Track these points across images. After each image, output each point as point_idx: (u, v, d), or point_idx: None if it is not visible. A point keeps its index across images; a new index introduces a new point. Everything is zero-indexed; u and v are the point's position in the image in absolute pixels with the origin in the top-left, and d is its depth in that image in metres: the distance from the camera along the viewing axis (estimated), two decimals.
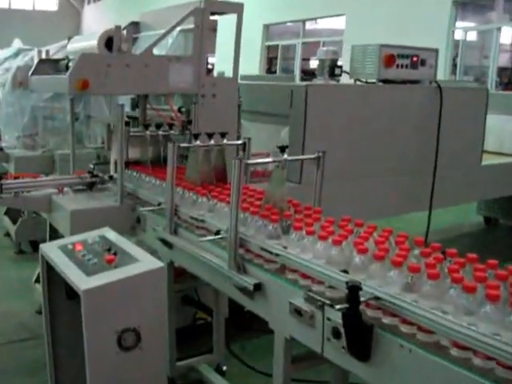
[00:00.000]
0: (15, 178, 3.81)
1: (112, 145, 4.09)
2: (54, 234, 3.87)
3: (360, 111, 4.65)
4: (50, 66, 4.15)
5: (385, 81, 4.88)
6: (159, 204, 3.31)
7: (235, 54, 4.05)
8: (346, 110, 4.58)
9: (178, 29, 3.88)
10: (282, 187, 2.84)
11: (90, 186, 3.98)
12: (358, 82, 5.02)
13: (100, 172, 4.03)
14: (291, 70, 17.72)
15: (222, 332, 3.72)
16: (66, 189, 3.90)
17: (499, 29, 12.28)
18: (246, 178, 2.67)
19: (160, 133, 3.83)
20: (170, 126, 3.88)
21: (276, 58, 18.88)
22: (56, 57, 4.71)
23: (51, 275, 2.88)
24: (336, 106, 4.51)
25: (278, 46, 18.87)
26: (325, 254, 2.27)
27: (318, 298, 2.13)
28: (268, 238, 2.58)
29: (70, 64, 3.58)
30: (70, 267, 2.60)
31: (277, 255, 2.44)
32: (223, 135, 3.30)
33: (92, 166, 4.18)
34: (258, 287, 2.53)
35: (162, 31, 3.83)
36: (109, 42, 3.71)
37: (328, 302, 2.08)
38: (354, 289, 1.93)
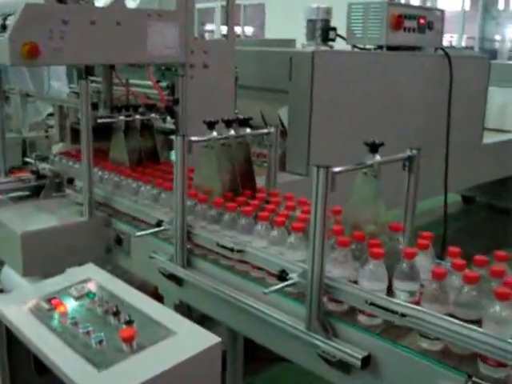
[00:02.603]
0: None
1: (66, 134, 2.98)
2: None
3: (373, 84, 3.77)
4: None
5: (390, 47, 4.01)
6: (159, 223, 2.29)
7: (228, 7, 3.04)
8: (357, 82, 3.68)
9: None
10: (374, 203, 1.90)
11: (37, 192, 2.89)
12: (356, 49, 4.13)
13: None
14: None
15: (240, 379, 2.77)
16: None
17: None
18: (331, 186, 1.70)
19: (138, 118, 2.77)
20: (150, 107, 2.82)
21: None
22: None
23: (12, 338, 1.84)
24: (347, 77, 3.60)
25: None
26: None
27: None
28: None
29: (8, 22, 2.45)
30: (61, 352, 1.56)
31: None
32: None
33: (33, 162, 3.07)
34: (367, 362, 1.62)
35: None
36: None
37: None
38: None
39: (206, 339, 1.59)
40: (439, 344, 1.56)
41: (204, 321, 2.46)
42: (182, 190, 2.11)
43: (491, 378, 1.44)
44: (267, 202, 2.23)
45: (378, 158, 1.89)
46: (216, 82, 2.96)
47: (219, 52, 2.97)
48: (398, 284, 1.67)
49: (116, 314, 1.72)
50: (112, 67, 2.92)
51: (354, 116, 3.66)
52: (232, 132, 2.29)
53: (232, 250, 2.02)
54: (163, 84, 2.99)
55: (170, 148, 3.07)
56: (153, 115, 2.80)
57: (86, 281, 1.96)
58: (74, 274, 2.05)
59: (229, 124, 2.27)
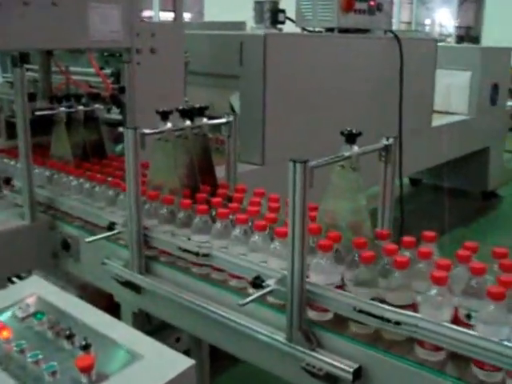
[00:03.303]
0: None
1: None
2: None
3: (327, 68, 3.61)
4: None
5: (341, 30, 3.86)
6: (111, 227, 2.05)
7: None
8: (311, 66, 3.51)
9: None
10: (353, 198, 1.73)
11: None
12: (305, 32, 3.96)
13: None
14: None
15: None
16: None
17: None
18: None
19: (81, 109, 2.51)
20: (93, 97, 2.56)
21: None
22: None
23: None
24: (301, 61, 3.42)
25: None
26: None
27: None
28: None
29: None
30: None
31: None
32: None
33: None
34: (358, 374, 1.47)
35: None
36: None
37: None
38: None
39: (179, 363, 1.38)
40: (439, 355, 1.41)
41: (164, 328, 2.27)
42: (136, 189, 1.90)
43: None
44: (230, 199, 2.04)
45: (355, 149, 1.71)
46: (165, 68, 2.73)
47: (167, 36, 2.73)
48: None
49: (69, 337, 1.48)
50: (50, 53, 2.64)
51: (309, 101, 3.50)
52: (188, 122, 2.07)
53: (197, 254, 1.82)
54: (107, 71, 2.73)
55: (116, 141, 2.82)
56: (97, 105, 2.54)
57: (31, 297, 1.71)
58: (16, 289, 1.80)
59: (184, 114, 2.06)
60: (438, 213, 5.45)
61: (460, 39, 15.11)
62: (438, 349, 1.41)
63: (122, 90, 2.60)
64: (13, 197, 2.44)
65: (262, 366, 1.72)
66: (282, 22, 3.87)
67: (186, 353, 2.28)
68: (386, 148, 1.83)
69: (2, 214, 2.42)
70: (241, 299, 1.62)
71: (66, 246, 2.33)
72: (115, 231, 2.02)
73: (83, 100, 2.52)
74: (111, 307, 2.04)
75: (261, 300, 1.67)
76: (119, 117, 2.73)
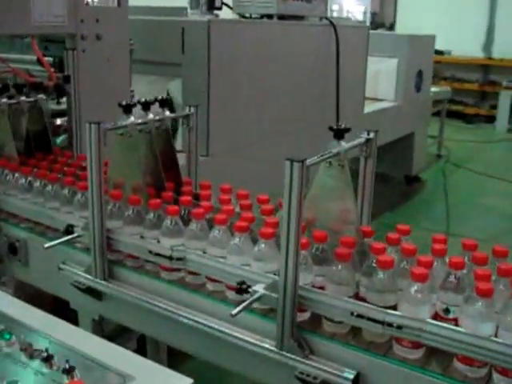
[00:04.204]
0: None
1: None
2: None
3: (271, 55, 3.54)
4: None
5: (280, 17, 3.79)
6: (69, 230, 1.90)
7: None
8: (255, 54, 3.42)
9: None
10: (341, 196, 1.68)
11: None
12: (242, 18, 3.87)
13: None
14: None
15: None
16: None
17: None
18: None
19: (23, 99, 2.31)
20: (35, 87, 2.37)
21: None
22: None
23: None
24: (245, 48, 3.33)
25: None
26: None
27: None
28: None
29: None
30: None
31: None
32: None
33: None
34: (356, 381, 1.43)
35: None
36: None
37: None
38: None
39: (175, 383, 1.28)
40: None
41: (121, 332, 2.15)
42: (99, 189, 1.76)
43: None
44: (196, 197, 1.94)
45: (344, 145, 1.66)
46: (110, 55, 2.56)
47: (112, 21, 2.56)
48: None
49: (47, 359, 1.35)
50: None
51: (251, 90, 3.42)
52: (151, 116, 1.94)
53: (170, 258, 1.71)
54: (49, 59, 2.53)
55: (56, 133, 2.64)
56: (40, 96, 2.34)
57: None
58: None
59: (147, 106, 1.92)
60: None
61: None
62: (418, 346, 1.40)
63: (66, 78, 2.42)
64: None
65: (250, 375, 1.64)
66: (219, 8, 3.77)
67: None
68: (367, 142, 1.78)
69: None
70: (219, 305, 1.60)
71: (12, 249, 2.15)
72: (75, 235, 1.87)
73: (25, 90, 2.32)
74: (55, 309, 1.89)
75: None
76: (58, 107, 2.55)
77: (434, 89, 6.60)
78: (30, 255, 2.13)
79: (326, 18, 4.16)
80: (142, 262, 1.85)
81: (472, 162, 7.38)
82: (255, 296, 1.53)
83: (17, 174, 2.19)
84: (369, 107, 5.08)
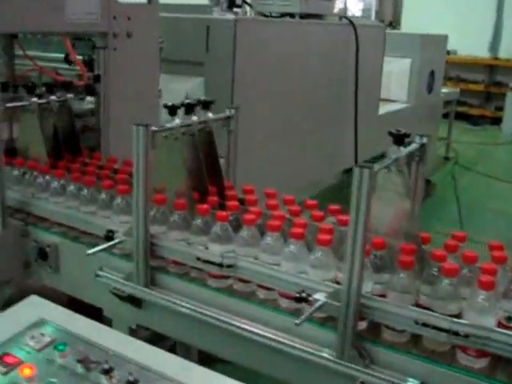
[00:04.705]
0: None
1: None
2: None
3: (294, 54, 3.48)
4: None
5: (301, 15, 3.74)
6: (109, 235, 1.83)
7: None
8: (279, 53, 3.36)
9: None
10: (400, 203, 1.62)
11: None
12: (261, 17, 3.81)
13: None
14: None
15: None
16: None
17: None
18: None
19: (53, 99, 2.23)
20: (66, 86, 2.29)
21: None
22: None
23: None
24: (270, 48, 3.27)
25: None
26: None
27: None
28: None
29: None
30: None
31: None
32: None
33: None
34: None
35: None
36: None
37: None
38: None
39: None
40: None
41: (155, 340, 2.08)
42: (145, 194, 1.69)
43: None
44: (242, 202, 1.87)
45: (402, 150, 1.60)
46: (140, 53, 2.49)
47: (143, 18, 2.49)
48: None
49: (107, 371, 1.28)
50: (14, 36, 2.32)
51: (275, 89, 3.36)
52: (195, 118, 1.87)
53: (221, 265, 1.65)
54: (78, 57, 2.46)
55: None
56: (69, 95, 2.27)
57: (40, 323, 1.48)
58: (15, 314, 1.55)
59: (190, 108, 1.85)
60: None
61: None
62: (483, 355, 1.36)
63: (96, 78, 2.34)
64: None
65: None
66: (239, 6, 3.70)
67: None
68: (421, 147, 1.72)
69: None
70: (272, 313, 1.56)
71: (42, 254, 2.07)
72: (116, 240, 1.80)
73: (55, 89, 2.24)
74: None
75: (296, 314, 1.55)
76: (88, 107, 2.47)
77: (445, 90, 6.55)
78: (62, 261, 2.06)
79: (346, 18, 4.10)
80: (186, 269, 1.78)
81: (480, 164, 7.35)
82: (317, 305, 1.47)
83: (48, 177, 2.11)
84: (382, 108, 5.02)
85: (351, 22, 4.04)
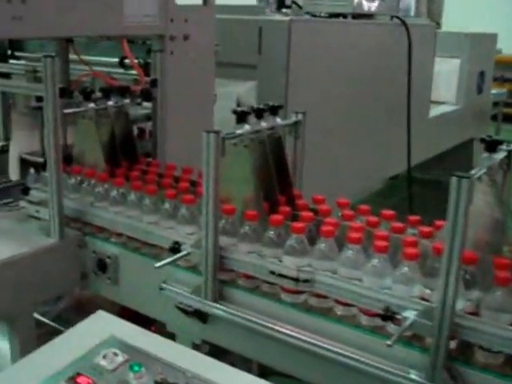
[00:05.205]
0: None
1: (13, 131, 2.32)
2: None
3: (344, 56, 3.37)
4: None
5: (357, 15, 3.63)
6: (175, 248, 1.75)
7: None
8: (333, 54, 3.26)
9: None
10: (495, 215, 1.50)
11: None
12: (311, 17, 3.70)
13: None
14: None
15: None
16: None
17: None
18: None
19: (110, 104, 2.16)
20: (123, 91, 2.22)
21: None
22: None
23: None
24: (324, 49, 3.17)
25: None
26: None
27: None
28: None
29: None
30: None
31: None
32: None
33: None
34: None
35: None
36: None
37: None
38: None
39: None
40: None
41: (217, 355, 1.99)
42: (215, 203, 1.61)
43: None
44: (316, 212, 1.77)
45: (496, 157, 1.48)
46: (196, 57, 2.41)
47: (199, 20, 2.41)
48: None
49: None
50: (69, 40, 2.26)
51: (330, 93, 3.25)
52: (264, 124, 1.78)
53: (297, 279, 1.55)
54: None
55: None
56: (126, 101, 2.20)
57: (111, 341, 1.40)
58: (84, 330, 1.48)
59: (260, 114, 1.76)
60: (422, 206, 5.34)
61: None
62: None
63: (153, 82, 2.27)
64: (35, 210, 2.08)
65: None
66: (289, 7, 3.61)
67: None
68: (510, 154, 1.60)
69: (21, 230, 2.07)
70: (351, 331, 1.47)
71: (101, 266, 2.00)
72: (184, 253, 1.72)
73: (112, 95, 2.17)
74: None
75: (376, 332, 1.45)
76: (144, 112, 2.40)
77: (494, 91, 6.35)
78: (121, 273, 1.99)
79: (397, 17, 3.97)
80: (257, 283, 1.69)
81: None
82: (407, 323, 1.36)
83: (107, 185, 2.04)
84: (432, 111, 4.87)
85: (403, 22, 3.91)
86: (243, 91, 3.11)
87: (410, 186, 3.98)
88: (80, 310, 2.71)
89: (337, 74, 3.35)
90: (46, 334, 2.43)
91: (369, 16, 3.81)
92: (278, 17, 3.30)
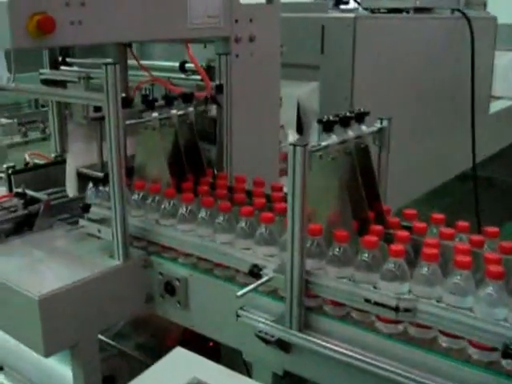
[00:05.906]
0: None
1: (69, 143, 2.20)
2: None
3: (408, 53, 3.18)
4: None
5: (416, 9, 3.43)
6: (254, 272, 1.59)
7: None
8: (398, 51, 3.07)
9: None
10: None
11: (28, 223, 2.12)
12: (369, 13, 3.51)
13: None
14: None
15: None
16: None
17: None
18: None
19: (174, 113, 2.01)
20: (187, 99, 2.07)
21: None
22: None
23: None
24: (389, 47, 2.99)
25: None
26: None
27: None
28: None
29: None
30: None
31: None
32: None
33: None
34: None
35: None
36: None
37: None
38: None
39: None
40: None
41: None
42: (302, 223, 1.45)
43: None
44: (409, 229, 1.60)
45: None
46: (262, 59, 2.25)
47: (265, 20, 2.25)
48: None
49: None
50: (128, 45, 2.12)
51: (397, 92, 3.07)
52: (350, 133, 1.61)
53: (397, 309, 1.38)
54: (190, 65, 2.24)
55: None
56: (191, 109, 2.05)
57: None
58: (166, 372, 1.33)
59: (347, 122, 1.59)
60: (487, 204, 5.07)
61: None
62: None
63: (219, 88, 2.12)
64: (97, 229, 1.95)
65: None
66: (346, 3, 3.43)
67: None
68: None
69: (82, 250, 1.95)
70: (460, 367, 1.32)
71: (170, 289, 1.86)
72: (266, 278, 1.56)
73: (176, 103, 2.03)
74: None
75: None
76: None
77: None
78: (192, 296, 1.84)
79: (459, 11, 3.75)
80: (346, 310, 1.53)
81: None
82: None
83: (174, 201, 1.90)
84: (492, 106, 4.62)
85: (465, 15, 3.69)
86: (304, 93, 2.94)
87: (476, 186, 3.76)
88: (137, 325, 2.59)
89: (400, 72, 3.16)
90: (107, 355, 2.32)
91: (429, 10, 3.60)
92: (340, 14, 3.12)
